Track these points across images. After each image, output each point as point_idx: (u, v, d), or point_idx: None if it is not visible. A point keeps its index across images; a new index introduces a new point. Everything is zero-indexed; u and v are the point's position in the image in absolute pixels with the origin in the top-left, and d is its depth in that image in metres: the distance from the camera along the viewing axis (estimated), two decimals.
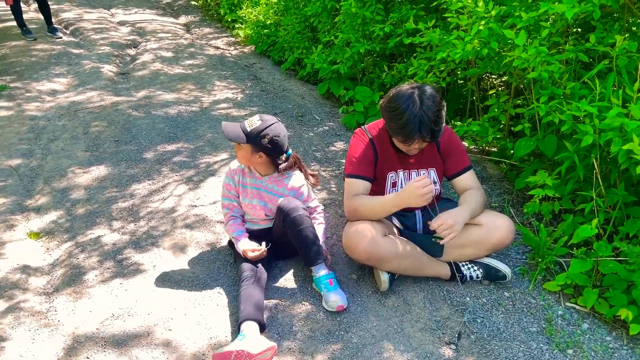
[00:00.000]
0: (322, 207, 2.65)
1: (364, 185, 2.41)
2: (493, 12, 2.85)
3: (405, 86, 2.26)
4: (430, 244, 2.38)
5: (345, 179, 2.45)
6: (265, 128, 2.34)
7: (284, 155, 2.47)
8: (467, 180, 2.47)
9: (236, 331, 2.06)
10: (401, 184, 2.46)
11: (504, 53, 2.88)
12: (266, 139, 2.33)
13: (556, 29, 2.75)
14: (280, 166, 2.46)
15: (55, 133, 4.07)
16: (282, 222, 2.35)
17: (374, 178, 2.45)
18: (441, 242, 2.18)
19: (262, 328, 2.10)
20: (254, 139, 2.34)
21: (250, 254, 2.32)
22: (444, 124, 2.25)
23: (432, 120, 2.16)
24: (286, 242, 2.39)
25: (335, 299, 2.24)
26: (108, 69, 5.76)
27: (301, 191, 2.53)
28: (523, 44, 2.60)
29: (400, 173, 2.46)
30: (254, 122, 2.37)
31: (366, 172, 2.41)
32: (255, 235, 2.47)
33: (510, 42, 2.78)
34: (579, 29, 3.22)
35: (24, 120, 4.32)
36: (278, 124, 2.40)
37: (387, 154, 2.45)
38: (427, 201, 2.14)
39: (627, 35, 2.71)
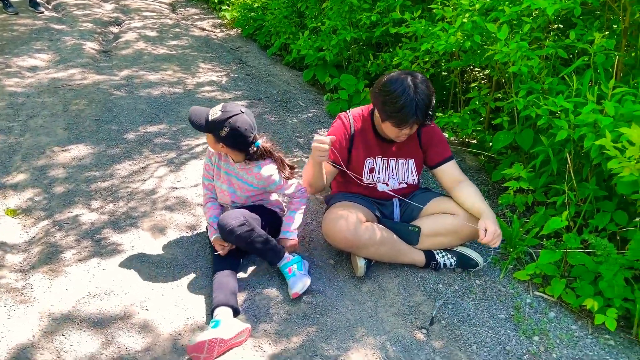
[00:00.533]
0: (302, 189, 2.54)
1: (330, 168, 2.50)
2: (477, 5, 2.89)
3: (395, 72, 2.31)
4: (406, 232, 2.43)
5: None
6: (225, 120, 2.24)
7: (253, 146, 2.36)
8: (451, 170, 2.51)
9: (210, 315, 2.09)
10: (379, 170, 2.50)
11: (486, 47, 2.91)
12: (224, 131, 2.25)
13: (537, 24, 2.80)
14: (247, 156, 2.39)
15: (34, 110, 4.01)
16: (228, 238, 2.29)
17: (348, 163, 2.51)
18: (493, 245, 2.25)
19: (236, 313, 2.13)
20: (213, 130, 2.28)
21: (219, 249, 2.35)
22: (434, 109, 2.31)
23: (427, 103, 2.23)
24: (265, 226, 2.42)
25: (291, 286, 2.28)
26: (90, 47, 5.68)
27: (272, 180, 2.43)
28: (505, 38, 2.64)
29: (379, 159, 2.50)
30: (215, 112, 2.27)
31: (333, 155, 2.46)
32: None
33: (493, 35, 2.82)
34: (560, 25, 3.27)
35: (2, 95, 4.24)
36: (241, 116, 2.27)
37: (366, 140, 2.49)
38: (319, 158, 2.29)
39: (606, 33, 2.77)
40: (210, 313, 2.09)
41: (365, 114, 2.52)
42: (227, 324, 2.00)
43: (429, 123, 2.34)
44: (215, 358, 1.95)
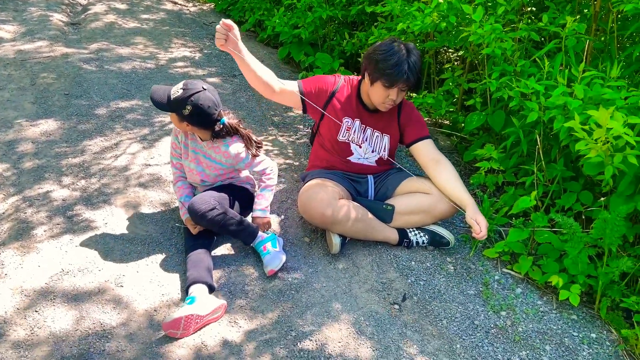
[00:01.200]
0: (271, 166, 2.52)
1: (294, 85, 2.57)
2: None
3: (389, 38, 2.45)
4: (380, 210, 2.48)
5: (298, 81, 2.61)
6: (187, 98, 2.20)
7: (218, 123, 2.33)
8: (428, 147, 2.56)
9: (185, 293, 2.09)
10: (355, 131, 2.56)
11: (461, 28, 2.94)
12: (187, 110, 2.21)
13: (512, 6, 2.84)
14: (213, 134, 2.36)
15: (0, 83, 3.88)
16: (199, 223, 2.29)
17: (323, 120, 2.59)
18: (479, 237, 2.31)
19: (211, 290, 2.14)
20: (176, 109, 2.24)
21: (191, 228, 2.35)
22: (423, 79, 2.39)
23: (417, 68, 2.34)
24: (239, 203, 2.42)
25: (266, 264, 2.30)
26: (58, 18, 5.49)
27: (240, 157, 2.41)
28: (479, 19, 2.67)
29: (357, 122, 2.56)
30: (176, 90, 2.23)
31: (306, 86, 2.56)
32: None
33: (468, 17, 2.85)
34: (534, 8, 3.32)
35: None
36: (203, 93, 2.23)
37: (348, 101, 2.56)
38: (217, 41, 2.28)
39: (578, 16, 2.82)
40: (185, 290, 2.10)
41: (353, 81, 2.61)
42: (203, 301, 2.01)
43: (419, 86, 2.43)
44: (192, 334, 1.97)
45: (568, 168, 2.56)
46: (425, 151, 2.56)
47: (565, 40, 2.57)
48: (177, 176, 2.55)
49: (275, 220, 2.66)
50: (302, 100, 2.55)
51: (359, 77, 2.60)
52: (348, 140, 2.57)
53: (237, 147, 2.41)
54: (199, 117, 2.26)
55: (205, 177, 2.47)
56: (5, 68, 4.14)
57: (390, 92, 2.38)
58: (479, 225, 2.30)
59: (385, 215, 2.48)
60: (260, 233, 2.39)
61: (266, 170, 2.50)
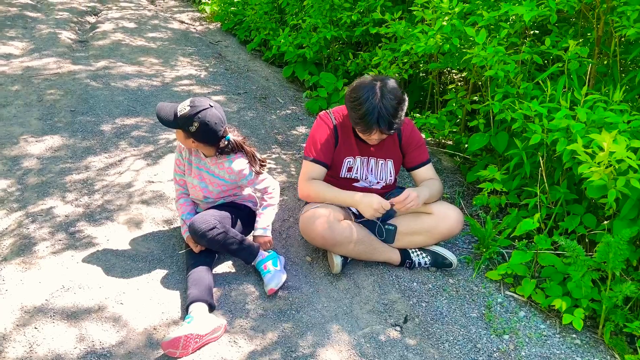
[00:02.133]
0: (273, 185, 2.52)
1: (320, 170, 2.49)
2: (457, 9, 2.93)
3: (368, 77, 2.35)
4: (382, 230, 2.47)
5: (304, 160, 2.52)
6: (194, 115, 2.22)
7: (223, 140, 2.36)
8: (426, 172, 2.59)
9: (185, 311, 2.08)
10: (357, 170, 2.54)
11: (464, 50, 2.97)
12: (194, 127, 2.23)
13: (515, 29, 2.86)
14: (218, 150, 2.38)
15: (7, 99, 3.93)
16: (200, 242, 2.29)
17: (331, 163, 2.52)
18: (397, 207, 2.32)
19: (212, 308, 2.13)
20: (183, 125, 2.26)
21: (192, 246, 2.35)
22: (403, 117, 2.34)
23: (391, 113, 2.24)
24: (240, 223, 2.42)
25: (267, 282, 2.29)
26: (66, 36, 5.57)
27: (243, 174, 2.42)
28: (483, 42, 2.69)
29: (358, 159, 2.53)
30: (184, 107, 2.25)
31: (325, 158, 2.49)
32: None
33: (471, 39, 2.87)
34: (537, 31, 3.35)
35: None
36: (210, 110, 2.26)
37: (347, 139, 2.52)
38: (373, 217, 2.35)
39: (580, 40, 2.85)
40: (185, 309, 2.09)
41: (345, 113, 2.54)
42: (203, 320, 2.00)
43: (395, 132, 2.35)
44: (191, 354, 1.95)
45: (571, 190, 2.55)
46: (423, 175, 2.59)
47: (568, 63, 2.59)
48: (179, 193, 2.55)
49: (276, 239, 2.65)
50: (327, 166, 2.52)
51: None
52: (351, 177, 2.57)
53: (240, 164, 2.42)
54: (205, 134, 2.27)
55: (208, 193, 2.47)
56: (12, 84, 4.19)
57: (370, 135, 2.35)
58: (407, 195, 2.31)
59: (387, 236, 2.47)
60: (261, 251, 2.38)
61: (268, 189, 2.51)
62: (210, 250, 2.36)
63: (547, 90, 2.53)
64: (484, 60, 2.70)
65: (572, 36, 2.89)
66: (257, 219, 2.49)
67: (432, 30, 2.99)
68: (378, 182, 2.58)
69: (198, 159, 2.45)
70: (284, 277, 2.31)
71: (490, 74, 2.70)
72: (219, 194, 2.49)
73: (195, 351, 1.97)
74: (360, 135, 2.41)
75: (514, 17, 2.95)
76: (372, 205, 2.31)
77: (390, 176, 2.58)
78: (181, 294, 2.24)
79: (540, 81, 2.71)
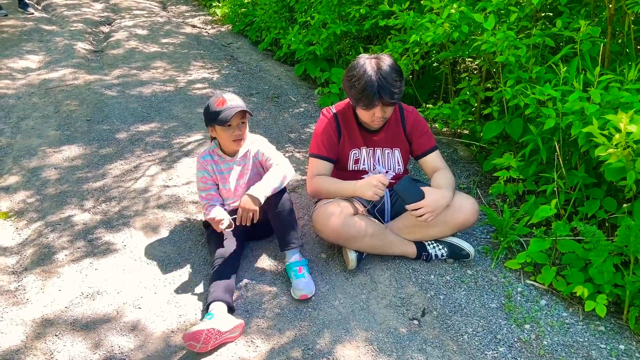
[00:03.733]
0: (283, 163, 2.42)
1: (326, 165, 2.50)
2: None
3: (362, 56, 2.37)
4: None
5: (310, 158, 2.53)
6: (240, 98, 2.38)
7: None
8: (434, 160, 2.55)
9: (205, 310, 2.09)
10: (363, 161, 2.53)
11: (474, 37, 2.91)
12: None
13: (525, 13, 2.80)
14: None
15: (25, 111, 4.01)
16: (275, 199, 2.32)
17: (337, 157, 2.52)
18: (417, 217, 2.30)
19: (231, 310, 2.13)
20: (247, 111, 2.36)
21: (217, 226, 2.28)
22: (403, 87, 2.34)
23: (391, 82, 2.26)
24: (262, 223, 2.41)
25: (300, 287, 2.25)
26: (81, 47, 5.66)
27: (261, 152, 2.48)
28: (492, 27, 2.64)
29: (364, 150, 2.52)
30: (235, 98, 2.34)
31: (329, 153, 2.49)
32: (234, 212, 2.48)
33: (480, 26, 2.82)
34: (550, 14, 3.27)
35: None
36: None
37: (350, 131, 2.52)
38: (374, 197, 2.30)
39: (595, 19, 2.77)
40: (205, 307, 2.09)
41: (347, 107, 2.55)
42: (223, 318, 2.01)
43: (397, 98, 2.31)
44: (210, 349, 1.96)
45: (590, 174, 2.49)
46: (430, 163, 2.56)
47: (580, 44, 2.52)
48: (208, 206, 2.47)
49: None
50: (332, 160, 2.52)
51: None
52: (359, 169, 2.56)
53: (258, 145, 2.49)
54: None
55: (250, 182, 2.46)
56: (30, 97, 4.28)
57: (373, 112, 2.33)
58: (421, 206, 2.28)
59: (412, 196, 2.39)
60: (298, 252, 2.37)
61: (276, 159, 2.46)
62: (236, 247, 2.35)
63: (560, 73, 2.47)
64: (494, 46, 2.65)
65: (584, 16, 2.81)
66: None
67: (440, 18, 2.94)
68: (387, 172, 2.56)
69: (226, 164, 2.49)
70: (314, 287, 2.30)
71: (501, 60, 2.65)
72: (255, 177, 2.50)
73: (214, 347, 1.97)
74: (364, 116, 2.39)
75: (523, 0, 2.89)
76: (370, 183, 2.30)
77: (399, 165, 2.56)
78: (199, 297, 2.26)
79: (553, 64, 2.65)
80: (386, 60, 2.31)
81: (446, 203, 2.34)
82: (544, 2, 2.78)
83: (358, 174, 2.55)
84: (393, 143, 2.54)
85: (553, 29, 2.67)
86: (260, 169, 2.52)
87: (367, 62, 2.30)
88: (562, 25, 2.61)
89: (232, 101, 2.34)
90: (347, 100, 2.57)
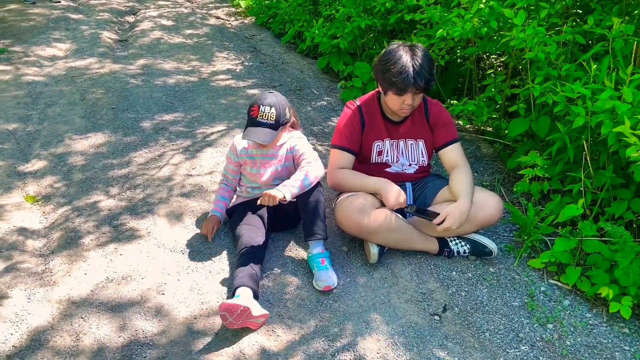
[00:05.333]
0: (315, 162, 2.41)
1: (348, 157, 2.50)
2: None
3: (396, 42, 2.38)
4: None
5: (331, 149, 2.53)
6: (280, 107, 2.39)
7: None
8: (454, 153, 2.52)
9: (232, 295, 2.09)
10: (387, 153, 2.53)
11: (502, 32, 2.88)
12: (287, 114, 2.44)
13: (555, 9, 2.75)
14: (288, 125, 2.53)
15: (52, 98, 4.07)
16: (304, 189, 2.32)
17: (359, 149, 2.52)
18: (439, 229, 2.32)
19: (256, 297, 2.13)
20: (283, 123, 2.43)
21: (209, 233, 2.51)
22: (435, 77, 2.35)
23: (426, 69, 2.28)
24: (287, 213, 2.41)
25: (323, 278, 2.26)
26: (107, 36, 5.72)
27: (297, 149, 2.50)
28: (521, 23, 2.60)
29: (387, 142, 2.52)
30: (267, 113, 2.36)
31: (352, 144, 2.49)
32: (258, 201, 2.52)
33: (510, 21, 2.78)
34: (579, 11, 3.21)
35: (21, 84, 4.31)
36: (275, 95, 2.42)
37: (374, 122, 2.52)
38: (393, 206, 2.35)
39: (626, 18, 2.72)
40: (231, 293, 2.08)
41: (372, 99, 2.55)
42: (252, 302, 2.02)
43: (431, 86, 2.33)
44: (235, 327, 1.99)
45: (618, 175, 2.45)
46: (449, 156, 2.53)
47: (612, 42, 2.47)
48: (222, 183, 2.67)
49: None
50: (354, 152, 2.52)
51: (375, 92, 2.56)
52: (382, 162, 2.56)
53: (294, 140, 2.54)
54: (289, 110, 2.49)
55: (278, 175, 2.52)
56: (57, 84, 4.34)
57: (404, 98, 2.34)
58: (444, 217, 2.28)
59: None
60: (322, 245, 2.38)
61: (305, 154, 2.47)
62: (260, 238, 2.36)
63: (591, 71, 2.43)
64: (523, 43, 2.61)
65: (616, 14, 2.76)
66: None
67: (469, 13, 2.91)
68: (410, 165, 2.55)
69: (259, 150, 2.53)
70: (336, 279, 2.31)
71: (530, 56, 2.61)
72: (284, 170, 2.54)
73: (239, 327, 1.99)
74: (393, 103, 2.38)
75: None
76: (398, 193, 2.35)
77: (423, 157, 2.55)
78: (221, 284, 2.28)
79: (583, 62, 2.60)
80: (421, 48, 2.33)
81: (467, 211, 2.32)
82: None
83: (381, 167, 2.55)
84: (417, 134, 2.54)
85: (584, 26, 2.62)
86: (291, 164, 2.53)
87: (402, 48, 2.31)
88: (593, 22, 2.56)
89: (263, 116, 2.36)
90: (371, 92, 2.57)
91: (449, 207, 2.31)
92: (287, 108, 2.45)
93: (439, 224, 2.29)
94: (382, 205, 2.44)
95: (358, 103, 2.55)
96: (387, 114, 2.52)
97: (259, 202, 2.23)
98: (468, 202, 2.33)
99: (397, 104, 2.37)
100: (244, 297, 2.03)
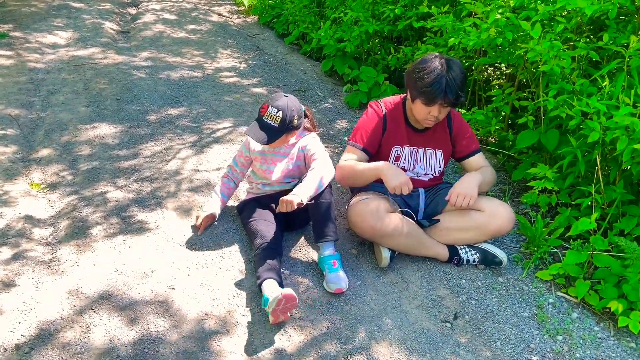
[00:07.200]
0: (325, 162, 2.40)
1: (361, 155, 2.51)
2: (511, 2, 2.87)
3: (433, 53, 2.39)
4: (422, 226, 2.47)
5: (347, 145, 2.55)
6: (288, 112, 2.36)
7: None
8: (478, 161, 2.59)
9: (258, 292, 2.10)
10: (404, 159, 2.54)
11: (518, 44, 2.90)
12: (295, 120, 2.40)
13: (571, 25, 2.79)
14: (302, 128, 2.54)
15: (55, 86, 4.01)
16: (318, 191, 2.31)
17: (377, 152, 2.53)
18: (458, 205, 2.35)
19: (281, 286, 2.11)
20: (288, 128, 2.40)
21: (202, 225, 2.50)
22: (464, 94, 2.38)
23: (458, 85, 2.28)
24: (297, 213, 2.40)
25: (334, 281, 2.25)
26: (109, 26, 5.66)
27: (308, 148, 2.49)
28: (538, 36, 2.63)
29: (406, 148, 2.53)
30: (274, 115, 2.35)
31: (367, 144, 2.50)
32: (269, 198, 2.53)
33: (524, 34, 2.81)
34: (591, 26, 3.26)
35: (23, 70, 4.24)
36: (289, 99, 2.41)
37: (397, 127, 2.52)
38: (395, 189, 2.28)
39: None
40: (259, 285, 2.09)
41: (397, 103, 2.56)
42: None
43: (460, 102, 2.35)
44: (276, 317, 2.01)
45: (627, 191, 2.48)
46: (477, 162, 2.59)
47: (628, 60, 2.51)
48: (228, 176, 2.65)
49: None
50: (369, 153, 2.53)
51: (401, 97, 2.58)
52: (399, 167, 2.55)
53: (306, 140, 2.54)
54: (300, 119, 2.45)
55: (289, 172, 2.52)
56: (59, 72, 4.28)
57: (431, 109, 2.34)
58: (452, 194, 2.35)
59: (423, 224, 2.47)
60: (334, 247, 2.36)
61: (315, 154, 2.46)
62: (276, 236, 2.35)
63: (606, 87, 2.46)
64: (539, 55, 2.64)
65: (630, 32, 2.80)
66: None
67: (485, 23, 2.93)
68: (426, 174, 2.56)
69: (271, 147, 2.52)
70: (348, 281, 2.30)
71: (545, 69, 2.63)
72: (295, 169, 2.54)
73: (280, 319, 2.03)
74: (420, 112, 2.39)
75: (570, 13, 2.88)
76: (401, 176, 2.29)
77: (439, 167, 2.57)
78: (232, 280, 2.26)
79: (598, 77, 2.64)
80: (457, 64, 2.32)
81: (476, 181, 2.37)
82: (593, 15, 2.76)
83: None
84: (437, 144, 2.54)
85: (599, 42, 2.66)
86: (302, 163, 2.52)
87: (438, 60, 2.31)
88: (608, 39, 2.60)
89: (269, 117, 2.37)
90: (398, 96, 2.59)
91: (455, 186, 2.38)
92: (296, 115, 2.41)
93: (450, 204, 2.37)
94: (394, 210, 2.45)
95: (383, 105, 2.55)
96: (410, 121, 2.52)
97: (277, 210, 2.23)
98: (478, 175, 2.40)
99: (424, 114, 2.38)
100: (276, 289, 2.03)
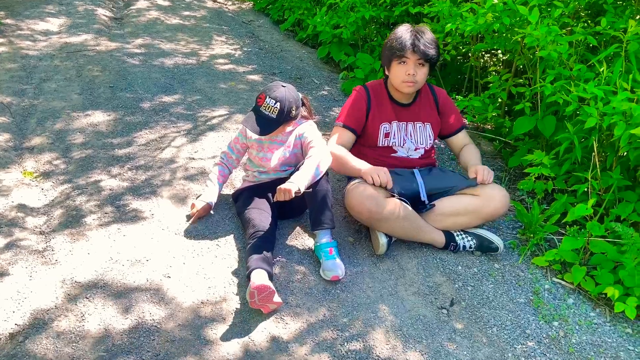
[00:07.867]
0: (322, 149, 2.37)
1: (348, 135, 2.56)
2: None
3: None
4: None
5: (335, 126, 2.61)
6: (286, 104, 2.34)
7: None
8: (464, 138, 2.72)
9: (246, 277, 2.07)
10: (394, 135, 2.56)
11: (516, 29, 2.88)
12: (293, 111, 2.39)
13: (568, 9, 2.76)
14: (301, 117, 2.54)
15: (47, 73, 3.96)
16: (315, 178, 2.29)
17: (365, 131, 2.58)
18: (488, 179, 2.44)
19: (271, 278, 2.10)
20: (287, 118, 2.38)
21: (196, 215, 2.47)
22: (438, 55, 2.46)
23: (426, 40, 2.40)
24: (293, 202, 2.39)
25: (331, 268, 2.24)
26: (102, 13, 5.59)
27: (305, 136, 2.48)
28: (536, 21, 2.61)
29: (394, 124, 2.56)
30: (272, 107, 2.32)
31: (353, 123, 2.56)
32: (265, 186, 2.51)
33: (522, 19, 2.78)
34: (589, 11, 3.23)
35: (15, 57, 4.19)
36: (287, 89, 2.37)
37: (381, 104, 2.57)
38: (373, 181, 2.33)
39: (638, 17, 2.73)
40: (248, 274, 2.06)
41: (379, 82, 2.65)
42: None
43: (431, 60, 2.42)
44: (254, 307, 1.99)
45: (624, 177, 2.48)
46: (462, 140, 2.73)
47: (626, 45, 2.49)
48: (222, 162, 2.63)
49: None
50: (355, 132, 2.58)
51: (383, 78, 2.66)
52: (388, 145, 2.57)
53: (304, 127, 2.53)
54: (298, 109, 2.44)
55: (286, 160, 2.51)
56: (52, 59, 4.22)
57: (406, 68, 2.41)
58: (478, 172, 2.44)
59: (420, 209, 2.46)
60: (330, 234, 2.35)
61: (312, 142, 2.44)
62: (269, 225, 2.33)
63: (603, 72, 2.44)
64: (536, 41, 2.62)
65: (629, 16, 2.78)
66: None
67: (483, 8, 2.90)
68: (417, 149, 2.58)
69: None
70: (344, 269, 2.28)
71: (542, 55, 2.62)
72: (292, 156, 2.53)
73: (257, 308, 1.99)
74: (396, 74, 2.46)
75: None
76: (376, 169, 2.35)
77: (430, 139, 2.62)
78: (227, 269, 2.24)
79: (595, 63, 2.62)
80: (425, 28, 2.47)
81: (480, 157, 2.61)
82: (592, 0, 2.74)
83: (387, 151, 2.57)
84: (425, 117, 2.62)
85: (597, 27, 2.63)
86: (299, 151, 2.51)
87: (406, 25, 2.48)
88: (607, 24, 2.57)
89: (266, 108, 2.34)
90: (380, 79, 2.68)
91: (474, 165, 2.50)
92: (294, 106, 2.39)
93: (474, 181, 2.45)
94: (391, 195, 2.43)
95: (366, 86, 2.63)
96: (394, 97, 2.59)
97: (274, 199, 2.20)
98: (478, 152, 2.61)
99: (401, 74, 2.44)
100: (263, 279, 2.01)
